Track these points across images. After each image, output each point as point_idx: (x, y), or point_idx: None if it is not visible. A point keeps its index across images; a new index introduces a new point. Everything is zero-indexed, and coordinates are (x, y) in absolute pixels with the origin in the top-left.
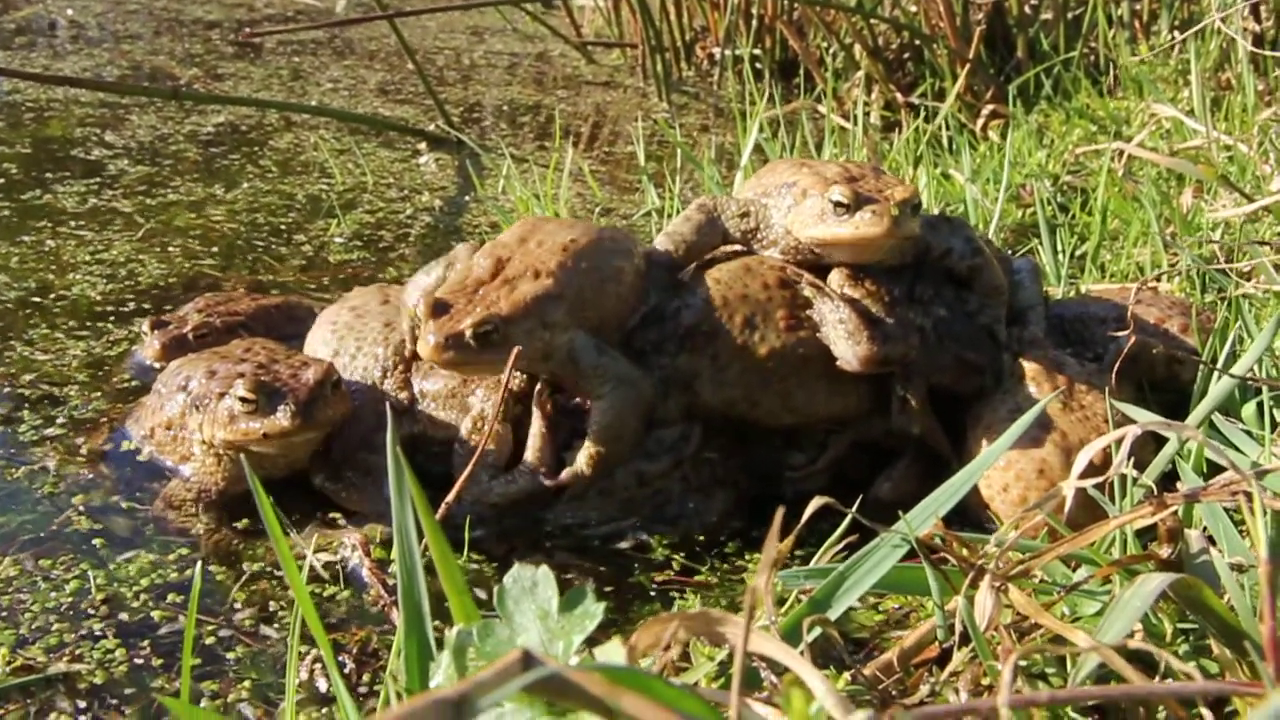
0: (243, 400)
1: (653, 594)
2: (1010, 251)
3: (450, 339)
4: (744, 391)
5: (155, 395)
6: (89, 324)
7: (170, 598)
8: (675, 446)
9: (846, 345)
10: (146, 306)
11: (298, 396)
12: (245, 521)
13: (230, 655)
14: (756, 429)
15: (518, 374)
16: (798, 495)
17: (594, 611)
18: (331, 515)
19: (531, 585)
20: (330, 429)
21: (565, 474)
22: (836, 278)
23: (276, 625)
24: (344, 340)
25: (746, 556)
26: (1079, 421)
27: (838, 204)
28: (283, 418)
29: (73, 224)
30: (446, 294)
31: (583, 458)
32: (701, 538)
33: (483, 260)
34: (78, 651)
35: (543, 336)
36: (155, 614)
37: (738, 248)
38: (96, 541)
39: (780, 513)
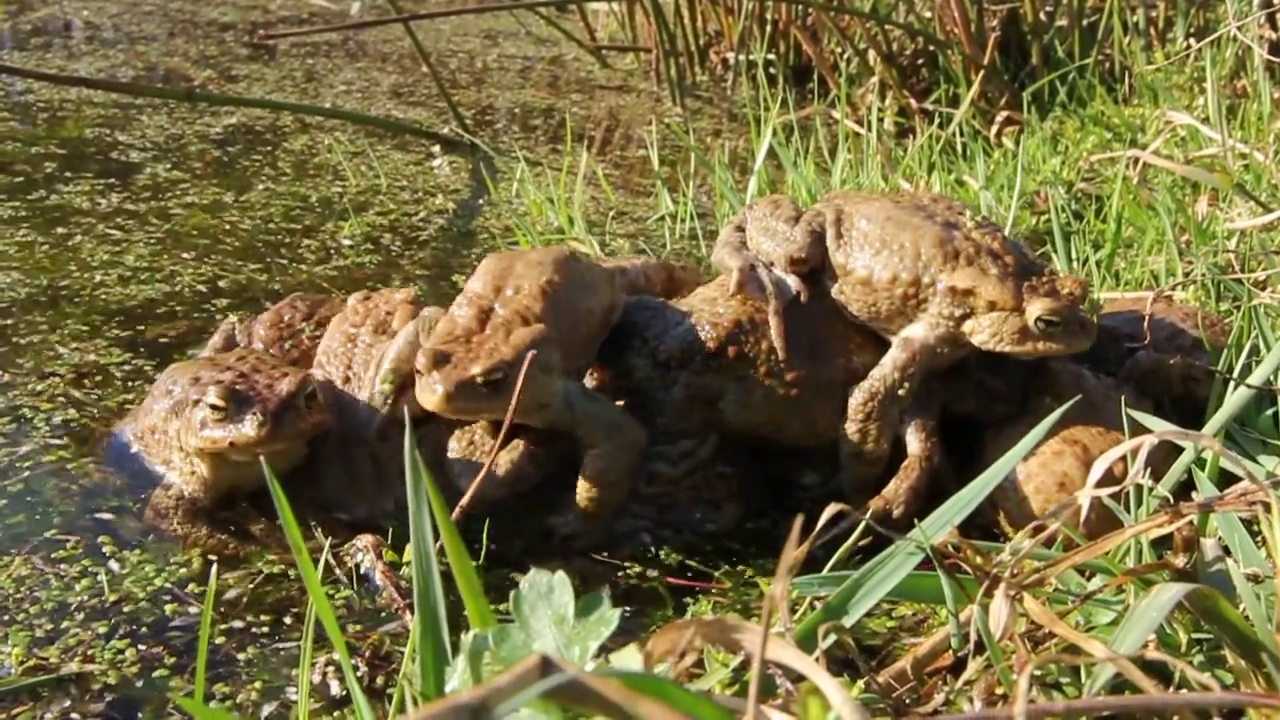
0: (212, 408)
1: (665, 599)
2: None
3: (461, 386)
4: (768, 415)
5: (150, 398)
6: (100, 326)
7: (182, 598)
8: (691, 452)
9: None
10: (176, 308)
11: (266, 407)
12: (255, 523)
13: (241, 657)
14: (776, 449)
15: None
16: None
17: (609, 618)
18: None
19: (548, 591)
20: (303, 440)
21: (559, 522)
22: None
23: (288, 627)
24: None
25: (757, 562)
26: (1100, 434)
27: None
28: (249, 427)
29: (87, 224)
30: (441, 345)
31: (579, 502)
32: (710, 548)
33: (463, 311)
34: (89, 652)
35: (543, 382)
36: (167, 613)
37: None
38: (107, 541)
39: (799, 520)
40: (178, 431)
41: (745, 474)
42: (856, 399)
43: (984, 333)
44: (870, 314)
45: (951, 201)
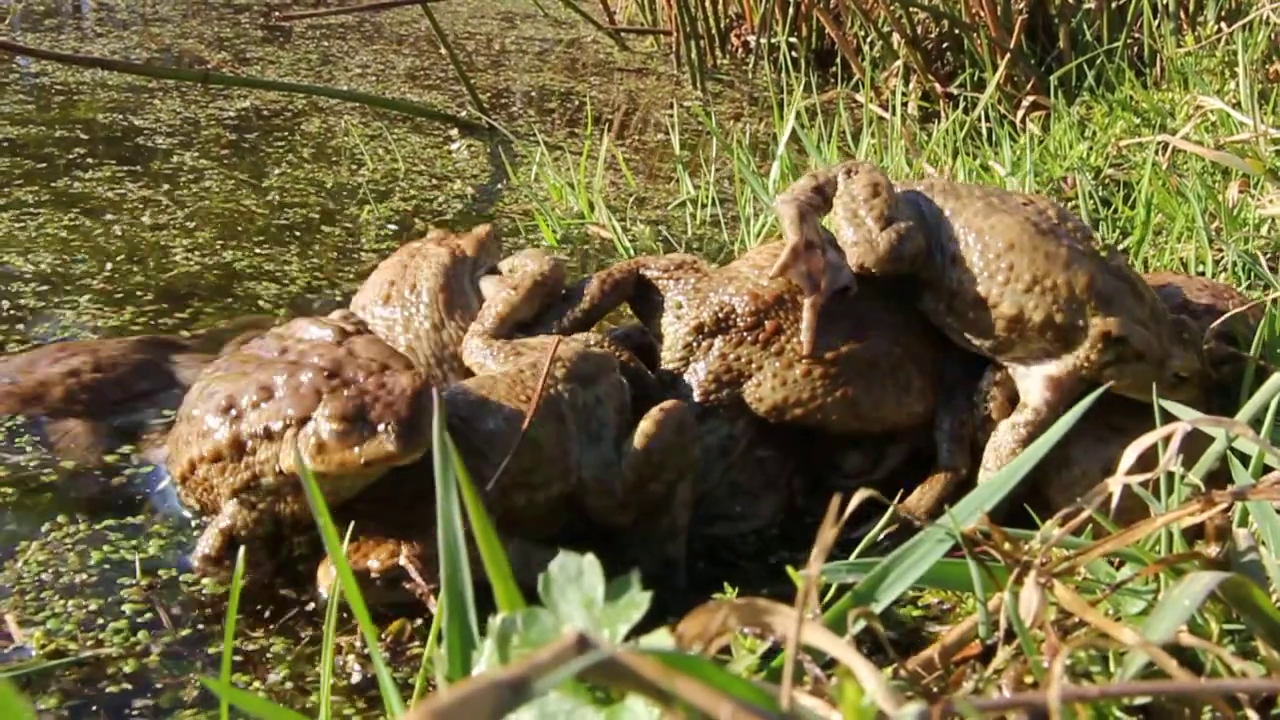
0: (331, 428)
1: (690, 588)
2: None
3: (357, 575)
4: (809, 393)
5: (185, 423)
6: (127, 311)
7: (204, 582)
8: (724, 448)
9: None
10: (206, 295)
11: (399, 414)
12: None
13: (262, 645)
14: (818, 434)
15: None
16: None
17: (639, 601)
18: None
19: (577, 574)
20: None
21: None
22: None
23: (311, 612)
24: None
25: (784, 552)
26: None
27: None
28: (388, 442)
29: (112, 210)
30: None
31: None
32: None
33: None
34: (112, 636)
35: None
36: (189, 599)
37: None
38: (131, 524)
39: (836, 500)
40: (276, 456)
41: (784, 460)
42: (1011, 436)
43: (1125, 380)
44: (996, 345)
45: (1074, 218)
